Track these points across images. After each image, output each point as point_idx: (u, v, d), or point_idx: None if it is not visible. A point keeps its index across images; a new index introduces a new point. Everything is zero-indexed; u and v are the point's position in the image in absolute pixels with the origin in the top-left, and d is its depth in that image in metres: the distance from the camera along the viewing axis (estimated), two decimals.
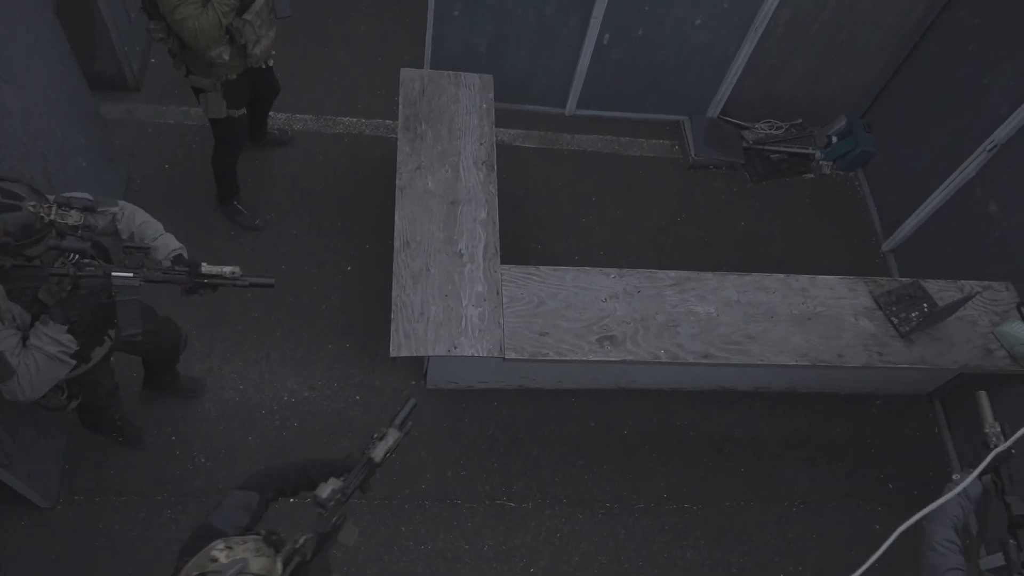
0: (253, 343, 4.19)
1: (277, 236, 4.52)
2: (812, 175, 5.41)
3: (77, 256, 2.48)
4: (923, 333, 3.93)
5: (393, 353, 3.49)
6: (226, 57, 3.56)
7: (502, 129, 5.06)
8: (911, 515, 1.97)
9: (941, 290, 4.07)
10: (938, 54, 4.76)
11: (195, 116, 4.75)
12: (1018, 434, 2.40)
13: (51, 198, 2.44)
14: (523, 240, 4.77)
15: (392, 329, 3.53)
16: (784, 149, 5.37)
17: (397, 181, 3.93)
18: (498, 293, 3.70)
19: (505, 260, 3.86)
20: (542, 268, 3.85)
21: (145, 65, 4.92)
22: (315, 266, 4.47)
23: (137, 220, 2.82)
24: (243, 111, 3.97)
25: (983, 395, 2.83)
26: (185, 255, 2.79)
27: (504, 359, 3.57)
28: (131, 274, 2.54)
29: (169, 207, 2.79)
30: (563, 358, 3.60)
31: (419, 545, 3.84)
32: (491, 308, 3.66)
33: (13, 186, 2.38)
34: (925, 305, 3.95)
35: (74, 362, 2.66)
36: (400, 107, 4.19)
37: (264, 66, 3.88)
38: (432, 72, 4.41)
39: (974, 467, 2.51)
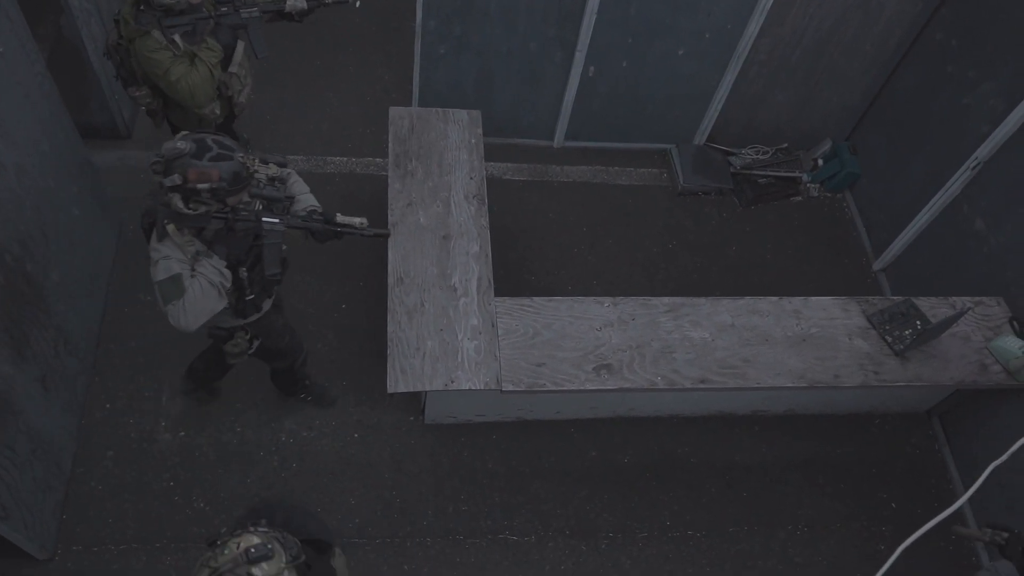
0: (250, 384, 4.17)
1: None
2: (800, 198, 5.46)
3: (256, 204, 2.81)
4: (918, 351, 3.94)
5: (390, 389, 3.49)
6: (218, 111, 3.62)
7: (492, 163, 5.10)
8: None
9: (933, 307, 4.09)
10: (918, 76, 4.84)
11: None
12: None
13: (252, 153, 2.71)
14: (516, 272, 4.79)
15: (389, 365, 3.53)
16: (771, 173, 5.43)
17: (389, 217, 3.96)
18: (493, 326, 3.71)
19: (499, 292, 3.87)
20: (536, 299, 3.86)
21: (136, 112, 4.96)
22: (309, 306, 4.47)
23: (291, 181, 3.09)
24: None
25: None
26: (320, 210, 3.01)
27: (501, 391, 3.56)
28: (277, 220, 2.85)
29: None
30: (560, 388, 3.60)
31: None
32: (487, 341, 3.66)
33: (224, 139, 2.64)
34: (918, 323, 3.97)
35: (225, 301, 2.90)
36: (390, 145, 4.23)
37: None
38: (420, 110, 4.47)
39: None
